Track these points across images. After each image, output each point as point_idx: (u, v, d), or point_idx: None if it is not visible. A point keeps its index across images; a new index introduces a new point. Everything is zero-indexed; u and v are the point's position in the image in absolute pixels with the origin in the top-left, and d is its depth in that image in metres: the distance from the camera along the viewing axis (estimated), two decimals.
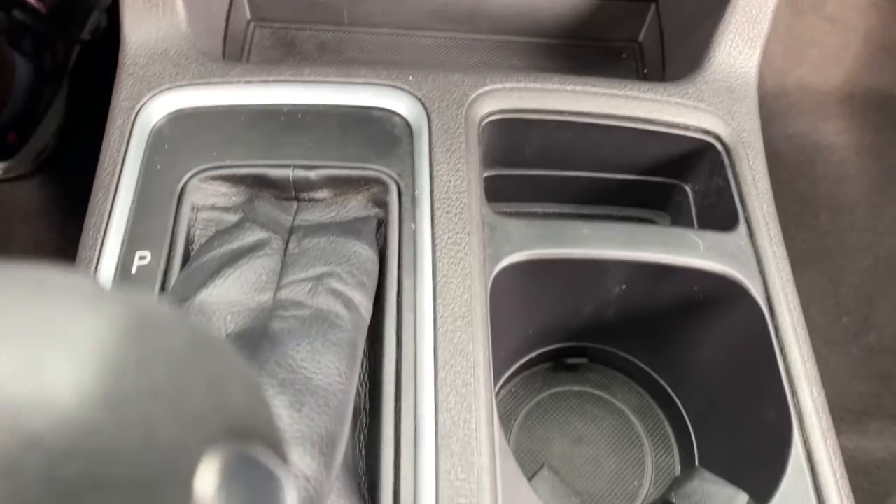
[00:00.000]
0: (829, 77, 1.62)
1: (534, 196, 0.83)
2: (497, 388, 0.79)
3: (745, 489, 0.63)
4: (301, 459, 0.46)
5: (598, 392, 0.84)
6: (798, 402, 0.62)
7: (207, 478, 0.18)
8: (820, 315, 1.33)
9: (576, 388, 0.84)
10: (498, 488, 0.55)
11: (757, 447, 0.67)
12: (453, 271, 0.62)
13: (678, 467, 0.79)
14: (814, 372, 0.64)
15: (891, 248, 1.42)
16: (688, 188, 0.81)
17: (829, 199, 1.48)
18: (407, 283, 0.62)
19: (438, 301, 0.61)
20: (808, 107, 1.62)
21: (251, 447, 0.20)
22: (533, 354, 0.82)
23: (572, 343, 0.82)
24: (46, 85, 1.23)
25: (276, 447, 0.22)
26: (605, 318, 0.77)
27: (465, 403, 0.57)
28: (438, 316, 0.60)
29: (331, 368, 0.52)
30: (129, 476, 0.16)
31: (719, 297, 0.69)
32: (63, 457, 0.15)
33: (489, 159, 0.77)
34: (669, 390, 0.80)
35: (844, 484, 0.59)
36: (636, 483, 0.79)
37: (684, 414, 0.79)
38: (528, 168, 0.81)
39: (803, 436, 0.61)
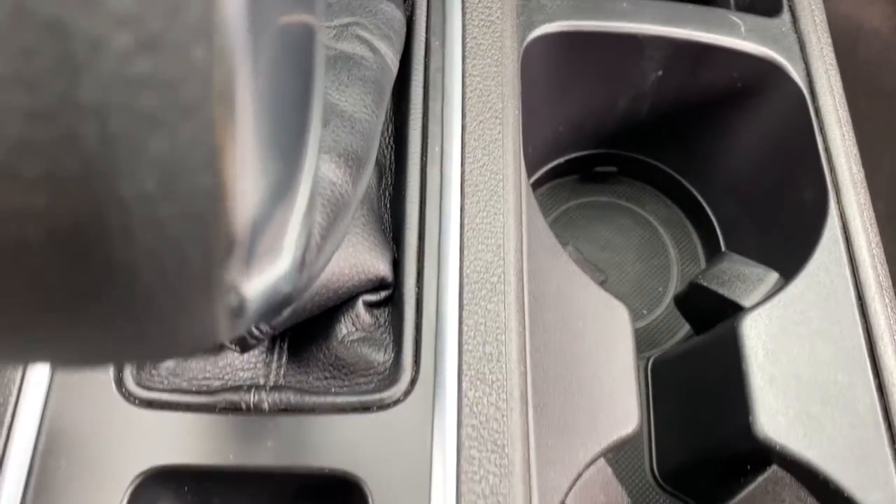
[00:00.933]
0: None
1: None
2: None
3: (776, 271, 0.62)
4: (326, 167, 0.45)
5: (625, 203, 0.82)
6: (836, 177, 0.60)
7: None
8: None
9: (603, 199, 0.82)
10: (523, 235, 0.54)
11: (789, 234, 0.66)
12: (483, 34, 0.60)
13: None
14: (854, 150, 0.62)
15: None
16: None
17: (869, 84, 1.42)
18: (435, 45, 0.60)
19: (467, 61, 0.59)
20: None
21: None
22: (562, 160, 0.80)
23: (602, 150, 0.80)
24: None
25: None
26: (639, 117, 0.75)
27: (491, 155, 0.55)
28: (467, 74, 0.58)
29: (356, 98, 0.51)
30: None
31: (758, 83, 0.67)
32: None
33: None
34: (699, 197, 0.78)
35: (879, 252, 0.58)
36: (661, 289, 0.79)
37: (713, 220, 0.77)
38: None
39: (840, 208, 0.59)
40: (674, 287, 0.79)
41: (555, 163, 0.80)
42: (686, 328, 0.76)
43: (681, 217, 0.81)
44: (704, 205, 0.78)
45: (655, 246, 0.80)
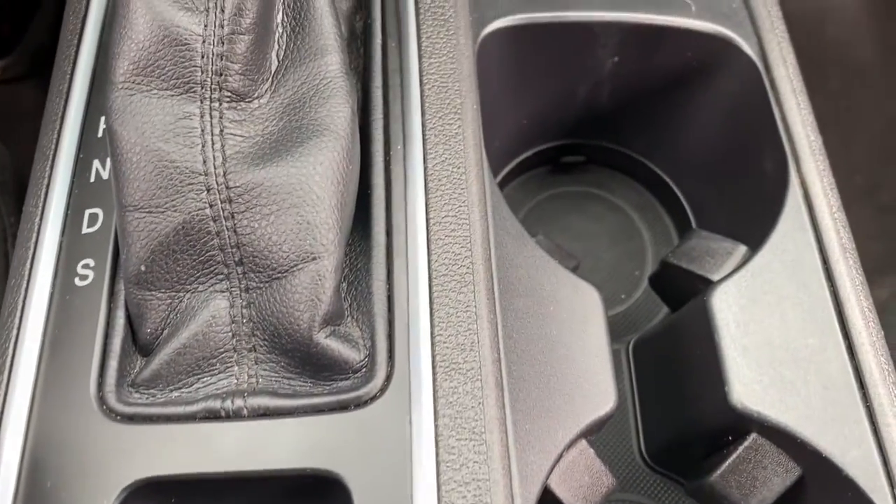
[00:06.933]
0: None
1: None
2: None
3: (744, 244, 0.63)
4: None
5: (596, 190, 0.83)
6: (794, 145, 0.61)
7: None
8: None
9: (574, 189, 0.83)
10: (489, 226, 0.54)
11: (753, 205, 0.67)
12: (438, 33, 0.61)
13: None
14: (810, 118, 0.63)
15: None
16: None
17: (839, 61, 1.43)
18: (391, 46, 0.60)
19: (424, 60, 0.59)
20: None
21: None
22: (529, 153, 0.81)
23: (569, 140, 0.81)
24: None
25: None
26: (600, 104, 0.76)
27: (453, 150, 0.56)
28: (424, 73, 0.59)
29: None
30: None
31: (713, 60, 0.68)
32: None
33: None
34: (666, 178, 0.79)
35: (841, 216, 0.59)
36: (637, 272, 0.79)
37: (682, 200, 0.78)
38: None
39: (800, 176, 0.60)
40: (649, 269, 0.79)
41: (523, 156, 0.81)
42: (665, 310, 0.77)
43: (651, 200, 0.82)
44: (672, 185, 0.79)
45: (628, 230, 0.81)
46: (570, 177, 0.84)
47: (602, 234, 0.81)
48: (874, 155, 1.36)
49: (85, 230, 0.53)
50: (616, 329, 0.76)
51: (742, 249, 0.62)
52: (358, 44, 0.64)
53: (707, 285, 0.61)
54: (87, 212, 0.54)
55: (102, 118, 0.57)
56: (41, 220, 0.53)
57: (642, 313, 0.77)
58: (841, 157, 1.37)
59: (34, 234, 0.53)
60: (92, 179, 0.55)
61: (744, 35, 0.66)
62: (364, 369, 0.49)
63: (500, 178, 0.80)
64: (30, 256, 0.52)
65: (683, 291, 0.64)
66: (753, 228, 0.64)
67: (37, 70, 1.26)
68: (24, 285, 0.51)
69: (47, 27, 1.24)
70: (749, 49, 0.65)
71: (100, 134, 0.57)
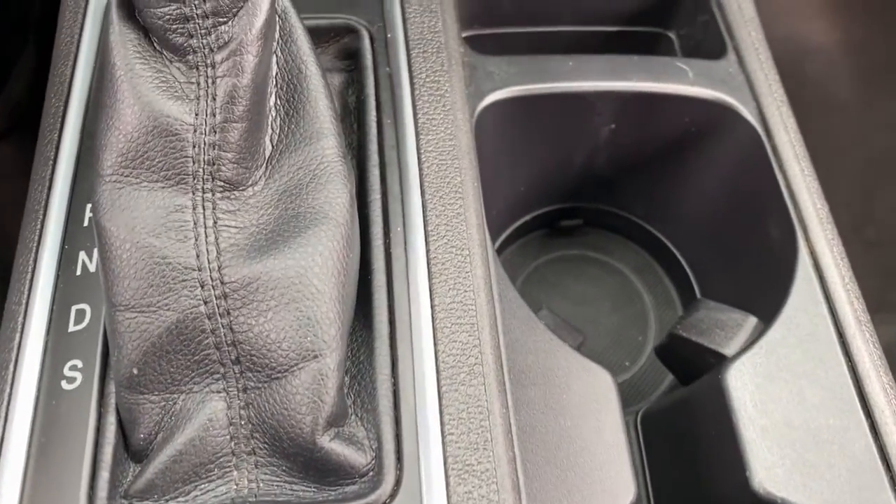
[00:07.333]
0: None
1: None
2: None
3: (752, 314, 0.61)
4: None
5: (595, 254, 0.82)
6: (801, 213, 0.60)
7: None
8: None
9: (573, 252, 0.82)
10: (496, 310, 0.52)
11: (760, 274, 0.65)
12: (434, 108, 0.59)
13: None
14: (815, 185, 0.62)
15: (885, 142, 1.40)
16: (672, 35, 0.79)
17: (819, 99, 1.45)
18: (387, 122, 0.59)
19: (421, 137, 0.58)
20: (791, 8, 1.58)
21: None
22: (527, 218, 0.80)
23: (566, 204, 0.80)
24: (12, 34, 1.17)
25: None
26: (598, 170, 0.74)
27: (455, 231, 0.54)
28: (422, 150, 0.57)
29: None
30: None
31: (712, 125, 0.67)
32: None
33: (466, 14, 0.74)
34: (667, 242, 0.78)
35: (854, 287, 0.58)
36: (640, 338, 0.78)
37: (683, 264, 0.77)
38: (507, 26, 0.78)
39: (809, 246, 0.59)
40: (653, 334, 0.78)
41: (520, 221, 0.79)
42: (671, 377, 0.75)
43: (651, 263, 0.81)
44: (673, 249, 0.78)
45: (629, 294, 0.79)
46: (569, 240, 0.82)
47: (603, 299, 0.79)
48: (858, 191, 1.37)
49: (72, 328, 0.50)
50: (622, 398, 0.74)
51: (752, 321, 0.60)
52: (351, 119, 0.62)
53: (718, 358, 0.60)
54: (74, 308, 0.51)
55: (88, 206, 0.55)
56: (25, 318, 0.51)
57: (648, 381, 0.75)
58: (826, 194, 1.37)
59: (17, 335, 0.50)
60: (78, 272, 0.52)
61: (742, 100, 0.65)
62: (371, 473, 0.46)
63: (498, 243, 0.78)
64: (13, 359, 0.49)
65: (693, 364, 0.63)
66: (762, 298, 0.63)
67: (14, 127, 1.24)
68: (8, 390, 0.48)
69: (25, 84, 1.21)
70: (748, 114, 0.64)
71: (86, 223, 0.54)
